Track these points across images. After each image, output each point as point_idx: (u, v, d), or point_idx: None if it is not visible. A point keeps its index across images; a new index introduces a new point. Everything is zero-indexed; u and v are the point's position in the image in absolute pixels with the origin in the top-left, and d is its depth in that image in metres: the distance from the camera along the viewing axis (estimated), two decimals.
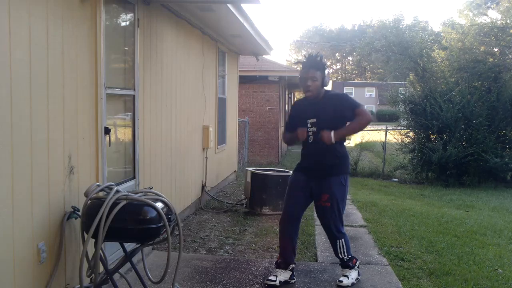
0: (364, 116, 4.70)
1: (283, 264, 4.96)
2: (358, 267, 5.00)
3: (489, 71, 15.32)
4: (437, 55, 18.95)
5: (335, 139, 4.65)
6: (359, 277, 4.99)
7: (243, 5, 7.16)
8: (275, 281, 4.84)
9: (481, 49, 17.21)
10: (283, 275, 4.91)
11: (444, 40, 19.38)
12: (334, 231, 4.87)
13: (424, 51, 17.14)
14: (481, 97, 14.57)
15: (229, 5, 6.65)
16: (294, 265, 5.01)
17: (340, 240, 4.87)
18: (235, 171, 12.48)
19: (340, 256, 4.91)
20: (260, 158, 17.21)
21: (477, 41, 17.46)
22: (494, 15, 25.44)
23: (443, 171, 14.45)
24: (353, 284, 4.86)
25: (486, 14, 25.69)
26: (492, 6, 25.85)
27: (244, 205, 8.59)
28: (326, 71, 4.82)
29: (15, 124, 3.13)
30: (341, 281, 4.85)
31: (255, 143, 17.32)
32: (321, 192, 4.82)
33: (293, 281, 4.96)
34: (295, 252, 5.04)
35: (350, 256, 4.92)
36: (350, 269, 4.92)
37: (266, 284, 4.84)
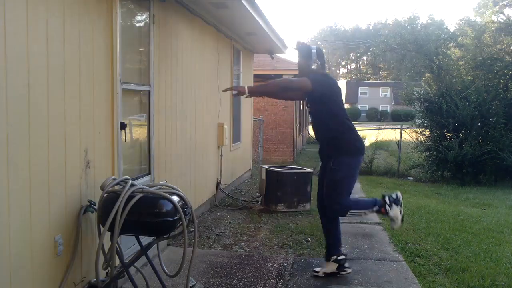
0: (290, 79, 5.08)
1: (326, 255, 5.07)
2: (336, 262, 4.91)
3: (505, 69, 15.15)
4: (453, 54, 18.79)
5: (249, 91, 4.89)
6: (342, 272, 4.93)
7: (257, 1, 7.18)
8: (318, 272, 4.99)
9: (497, 47, 17.04)
10: (328, 267, 4.98)
11: (460, 38, 19.21)
12: (328, 208, 4.99)
13: (440, 49, 17.01)
14: (497, 95, 14.43)
15: (243, 1, 6.66)
16: (339, 257, 4.97)
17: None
18: (249, 169, 12.48)
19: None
20: (274, 157, 17.19)
21: (493, 39, 17.28)
22: (511, 13, 25.18)
23: (459, 169, 14.31)
24: (326, 274, 4.88)
25: (502, 13, 25.42)
26: (509, 3, 25.60)
27: (259, 202, 8.60)
28: (313, 56, 4.96)
29: (33, 118, 3.16)
30: (315, 270, 4.99)
31: (270, 142, 17.31)
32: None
33: (343, 272, 4.96)
34: (335, 243, 5.04)
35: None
36: (327, 261, 4.99)
37: (312, 274, 5.00)
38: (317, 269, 5.03)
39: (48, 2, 3.32)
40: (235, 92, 5.08)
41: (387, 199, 4.89)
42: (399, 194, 4.93)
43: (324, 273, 4.95)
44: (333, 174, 4.87)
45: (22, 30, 3.04)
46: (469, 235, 6.92)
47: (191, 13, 6.81)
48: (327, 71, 5.28)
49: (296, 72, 5.24)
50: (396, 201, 4.87)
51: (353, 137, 4.97)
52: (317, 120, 5.05)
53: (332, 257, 4.96)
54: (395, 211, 4.85)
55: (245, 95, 5.01)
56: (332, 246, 5.03)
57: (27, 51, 3.09)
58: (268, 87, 5.15)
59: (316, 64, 4.93)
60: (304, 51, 5.03)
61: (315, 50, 4.99)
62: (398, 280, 4.89)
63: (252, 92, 5.03)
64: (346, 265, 5.00)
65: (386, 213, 4.86)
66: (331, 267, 4.95)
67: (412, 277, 4.99)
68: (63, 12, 3.50)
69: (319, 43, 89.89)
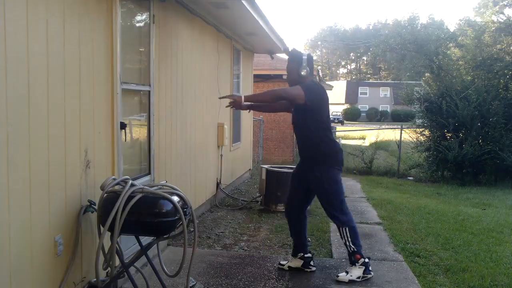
0: (283, 89, 5.10)
1: (293, 251, 5.28)
2: (362, 265, 4.87)
3: (505, 69, 15.14)
4: (453, 54, 18.78)
5: (245, 99, 5.01)
6: (367, 276, 4.87)
7: (257, 1, 7.18)
8: (283, 265, 5.21)
9: (497, 47, 17.04)
10: (293, 262, 5.20)
11: (460, 38, 19.21)
12: (334, 218, 5.02)
13: (440, 49, 16.99)
14: (497, 95, 14.42)
15: (243, 1, 6.66)
16: (305, 255, 5.17)
17: (343, 228, 4.91)
18: (249, 169, 12.48)
19: (347, 244, 4.92)
20: (274, 157, 17.20)
21: (493, 39, 17.27)
22: (511, 13, 25.21)
23: (459, 169, 14.30)
24: (351, 281, 4.80)
25: (502, 13, 25.46)
26: (509, 3, 25.64)
27: (259, 202, 8.60)
28: (303, 63, 5.01)
29: (33, 118, 3.16)
30: (338, 276, 4.92)
31: (270, 142, 17.32)
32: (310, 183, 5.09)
33: (308, 270, 5.13)
34: (302, 242, 5.22)
35: (354, 250, 4.88)
36: (352, 265, 4.90)
37: (277, 267, 5.25)
38: (283, 262, 5.27)
39: (48, 2, 3.32)
40: (232, 101, 5.18)
41: (362, 261, 4.90)
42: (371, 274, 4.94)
43: (289, 266, 5.18)
44: (325, 186, 4.95)
45: (22, 30, 3.04)
46: (469, 235, 6.92)
47: (191, 13, 6.80)
48: (315, 77, 5.34)
49: None
50: (366, 270, 4.89)
51: (334, 149, 5.02)
52: (302, 127, 5.08)
53: (298, 254, 5.19)
54: (358, 272, 4.86)
55: (242, 104, 5.09)
56: (300, 244, 5.22)
57: (27, 51, 3.09)
58: (263, 96, 5.17)
59: (305, 70, 5.01)
60: (295, 56, 5.13)
61: (306, 57, 5.07)
62: (398, 280, 4.89)
63: (248, 100, 5.12)
64: (312, 263, 5.18)
65: (354, 262, 4.88)
66: (296, 263, 5.17)
67: (412, 277, 4.99)
68: (63, 12, 3.50)
69: (319, 43, 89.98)
